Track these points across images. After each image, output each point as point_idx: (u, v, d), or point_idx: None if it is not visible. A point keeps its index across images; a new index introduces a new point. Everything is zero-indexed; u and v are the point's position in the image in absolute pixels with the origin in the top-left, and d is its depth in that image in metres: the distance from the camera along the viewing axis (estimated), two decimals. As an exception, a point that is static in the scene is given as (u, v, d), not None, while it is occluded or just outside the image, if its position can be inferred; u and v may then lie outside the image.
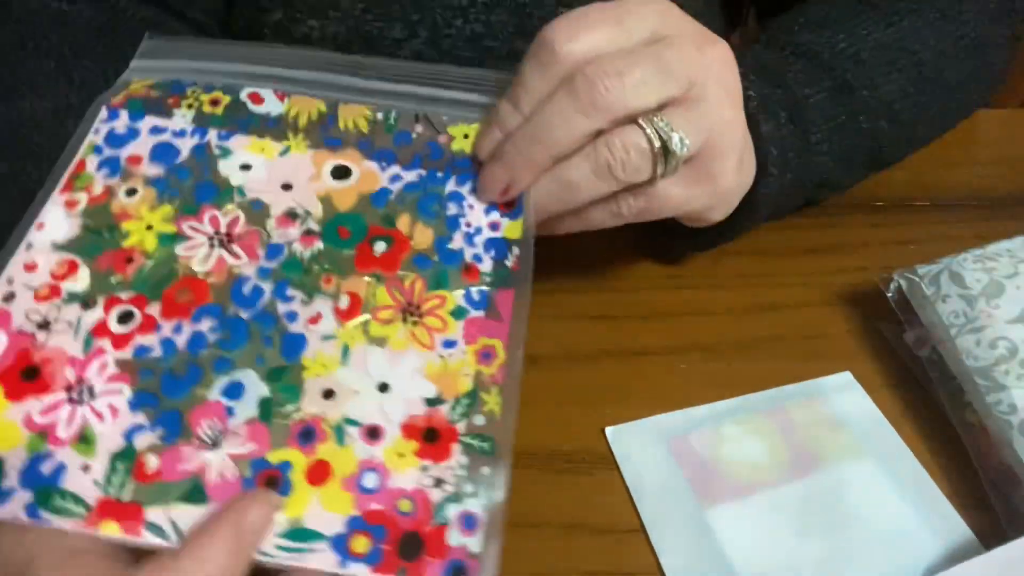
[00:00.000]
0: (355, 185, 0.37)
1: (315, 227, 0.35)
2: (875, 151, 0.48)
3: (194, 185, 0.36)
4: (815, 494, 0.38)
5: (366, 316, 0.33)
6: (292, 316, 0.33)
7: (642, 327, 0.45)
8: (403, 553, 0.28)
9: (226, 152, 0.37)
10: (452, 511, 0.29)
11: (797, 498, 0.38)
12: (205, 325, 0.32)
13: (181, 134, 0.37)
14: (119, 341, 0.32)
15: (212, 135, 0.37)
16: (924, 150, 0.58)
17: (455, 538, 0.28)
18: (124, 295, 0.33)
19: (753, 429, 0.41)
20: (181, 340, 0.32)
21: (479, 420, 0.31)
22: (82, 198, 0.35)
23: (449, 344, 0.33)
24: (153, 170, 0.36)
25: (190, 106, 0.38)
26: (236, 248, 0.34)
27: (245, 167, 0.37)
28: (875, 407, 0.42)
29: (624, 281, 0.48)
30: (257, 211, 0.35)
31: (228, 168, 0.37)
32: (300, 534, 0.28)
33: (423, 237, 0.36)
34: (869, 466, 0.39)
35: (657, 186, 0.37)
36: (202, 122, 0.38)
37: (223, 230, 0.35)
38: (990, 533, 0.37)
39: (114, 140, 0.37)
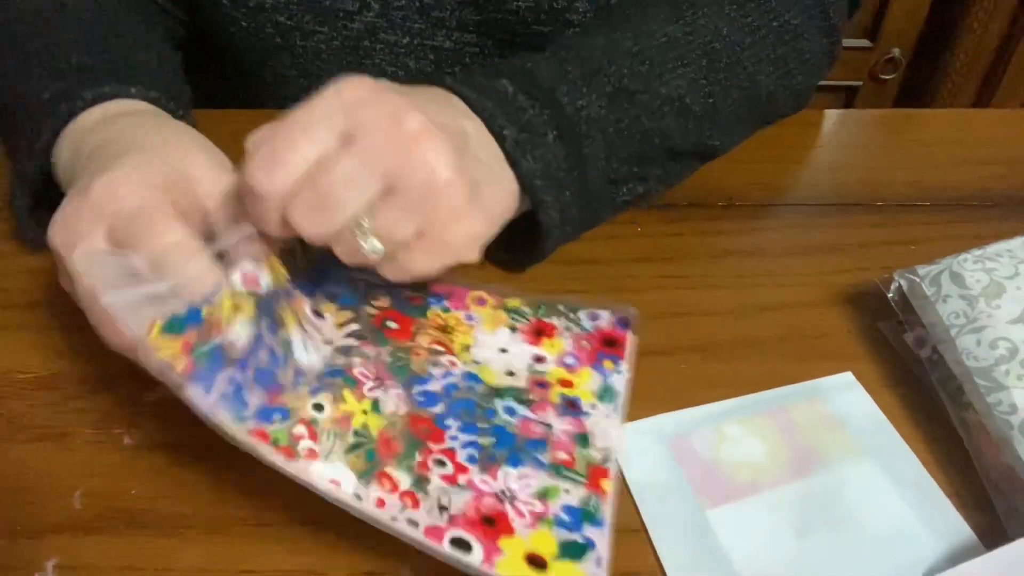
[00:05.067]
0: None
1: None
2: (667, 146, 0.48)
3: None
4: (816, 494, 0.38)
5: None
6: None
7: (642, 327, 0.45)
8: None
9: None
10: None
11: (798, 498, 0.38)
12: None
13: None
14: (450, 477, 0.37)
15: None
16: (924, 150, 0.58)
17: None
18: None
19: (754, 429, 0.41)
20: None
21: None
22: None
23: None
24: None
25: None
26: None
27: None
28: (876, 407, 0.42)
29: (624, 281, 0.48)
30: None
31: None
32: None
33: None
34: (870, 466, 0.39)
35: (397, 260, 0.38)
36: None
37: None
38: (991, 533, 0.37)
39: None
